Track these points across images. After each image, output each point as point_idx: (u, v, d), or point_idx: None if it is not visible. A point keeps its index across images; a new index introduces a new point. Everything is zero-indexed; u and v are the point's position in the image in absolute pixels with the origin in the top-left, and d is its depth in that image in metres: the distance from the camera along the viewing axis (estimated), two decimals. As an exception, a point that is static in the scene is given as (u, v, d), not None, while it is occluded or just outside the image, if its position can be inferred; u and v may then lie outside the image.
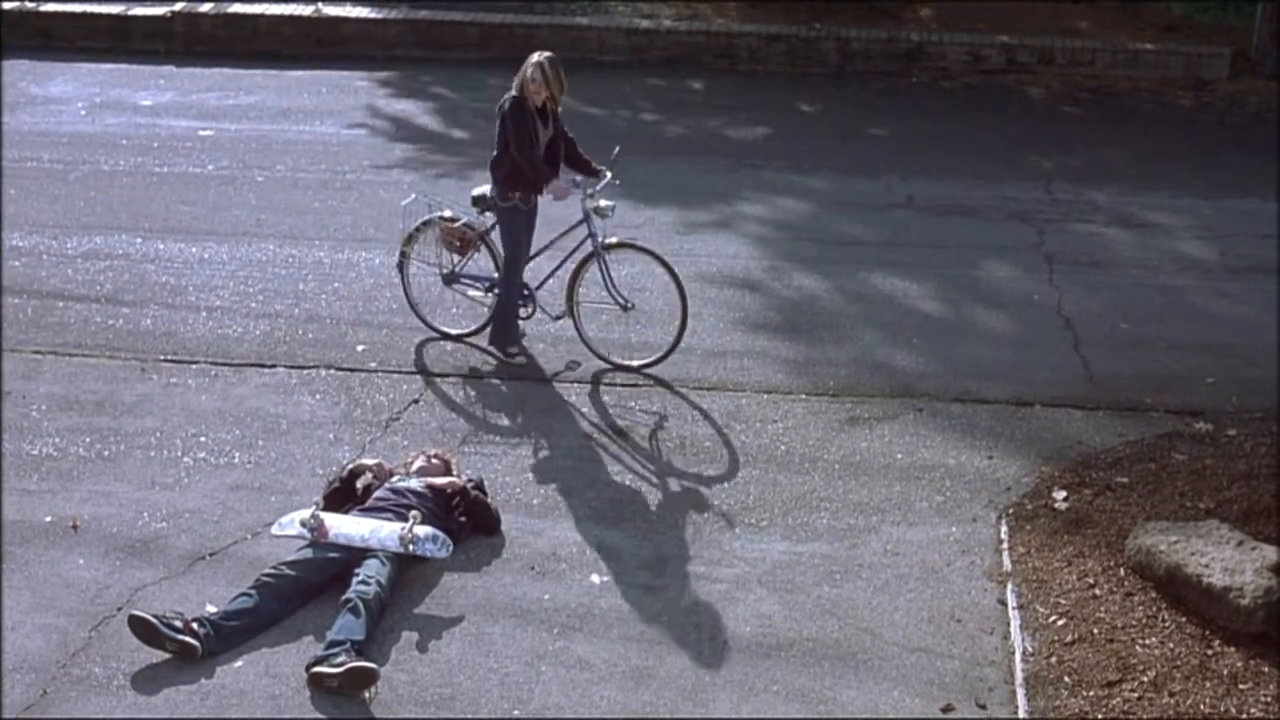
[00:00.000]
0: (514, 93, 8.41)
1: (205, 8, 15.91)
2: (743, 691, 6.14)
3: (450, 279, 9.15)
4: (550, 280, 9.11)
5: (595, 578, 6.89)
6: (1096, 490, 7.57)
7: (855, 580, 6.88)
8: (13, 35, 15.66)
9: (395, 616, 6.56)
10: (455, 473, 7.45)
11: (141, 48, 15.70)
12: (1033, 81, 15.12)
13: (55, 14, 15.90)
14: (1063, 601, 6.65)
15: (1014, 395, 8.69)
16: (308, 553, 6.75)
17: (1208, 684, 6.09)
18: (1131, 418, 8.42)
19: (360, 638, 6.23)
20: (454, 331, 9.26)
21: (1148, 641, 6.36)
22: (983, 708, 6.06)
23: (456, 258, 9.07)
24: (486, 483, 7.54)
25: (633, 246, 8.81)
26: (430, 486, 7.19)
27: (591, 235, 8.68)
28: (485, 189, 8.77)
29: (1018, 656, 6.33)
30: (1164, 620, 6.49)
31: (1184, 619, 6.48)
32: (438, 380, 8.80)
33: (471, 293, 9.18)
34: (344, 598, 6.43)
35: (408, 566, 6.81)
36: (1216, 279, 10.41)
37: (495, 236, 8.90)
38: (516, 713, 6.02)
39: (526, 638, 6.44)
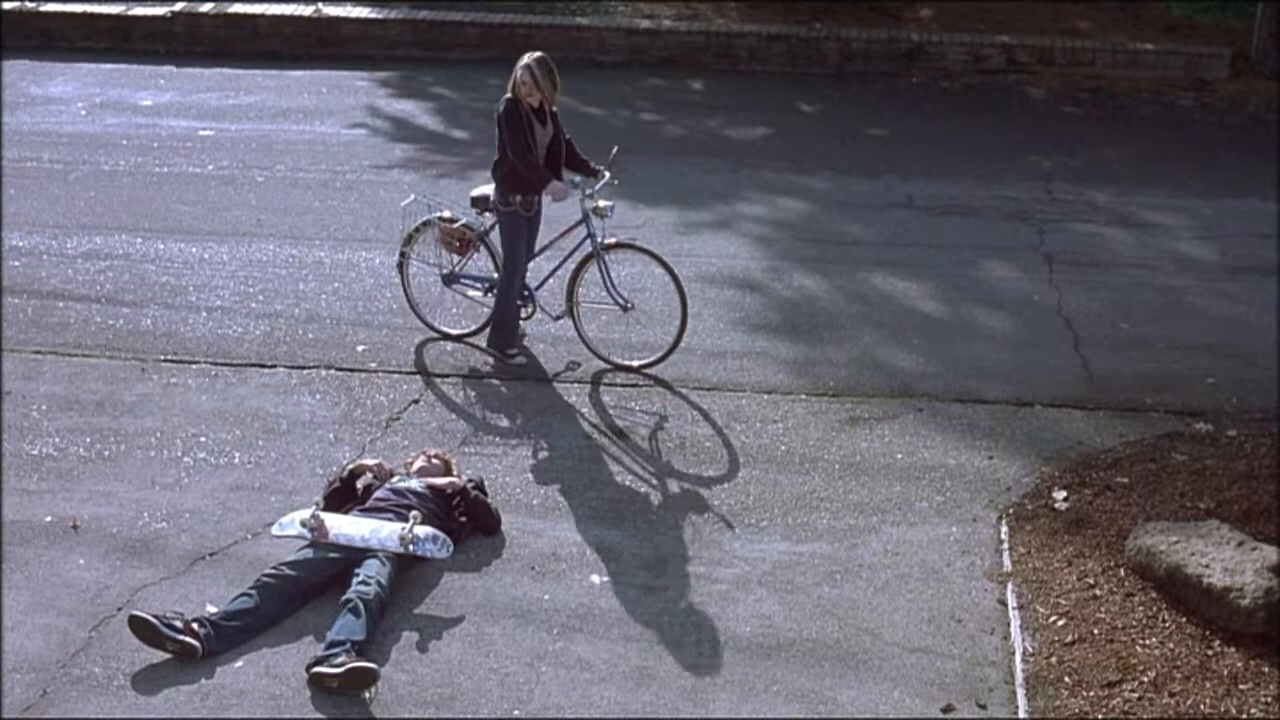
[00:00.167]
0: (508, 95, 8.41)
1: (205, 8, 15.90)
2: (743, 691, 6.14)
3: (450, 279, 9.16)
4: (550, 280, 9.11)
5: (595, 578, 6.89)
6: (1096, 490, 7.57)
7: (855, 580, 6.88)
8: (13, 35, 15.66)
9: (395, 616, 6.56)
10: (455, 473, 7.45)
11: (141, 48, 15.70)
12: (1033, 82, 15.11)
13: (55, 14, 15.90)
14: (1063, 602, 6.65)
15: (1014, 395, 8.69)
16: (308, 553, 6.75)
17: (1208, 684, 6.10)
18: (1131, 418, 8.42)
19: (360, 638, 6.23)
20: (454, 332, 9.26)
21: (1148, 642, 6.36)
22: (983, 708, 6.06)
23: (456, 258, 9.07)
24: (486, 483, 7.55)
25: (632, 247, 8.81)
26: (430, 487, 7.19)
27: (591, 235, 8.68)
28: (484, 189, 8.77)
29: (1018, 657, 6.33)
30: (1164, 620, 6.49)
31: (1184, 619, 6.48)
32: (438, 380, 8.80)
33: (471, 293, 9.18)
34: (344, 598, 6.44)
35: (408, 566, 6.81)
36: (1216, 279, 10.41)
37: (495, 237, 8.90)
38: (516, 713, 6.02)
39: (526, 638, 6.44)
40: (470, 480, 7.40)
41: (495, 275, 8.94)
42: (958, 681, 6.20)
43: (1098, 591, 6.70)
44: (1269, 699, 6.00)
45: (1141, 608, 6.58)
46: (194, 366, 8.91)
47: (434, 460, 7.48)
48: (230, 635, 6.34)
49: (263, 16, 15.78)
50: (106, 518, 7.28)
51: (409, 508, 6.97)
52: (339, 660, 6.08)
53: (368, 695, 6.05)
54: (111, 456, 7.88)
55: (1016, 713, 6.03)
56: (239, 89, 14.48)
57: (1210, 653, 6.28)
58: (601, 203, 8.55)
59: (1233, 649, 6.28)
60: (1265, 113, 14.29)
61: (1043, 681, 6.16)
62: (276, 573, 6.60)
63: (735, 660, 6.32)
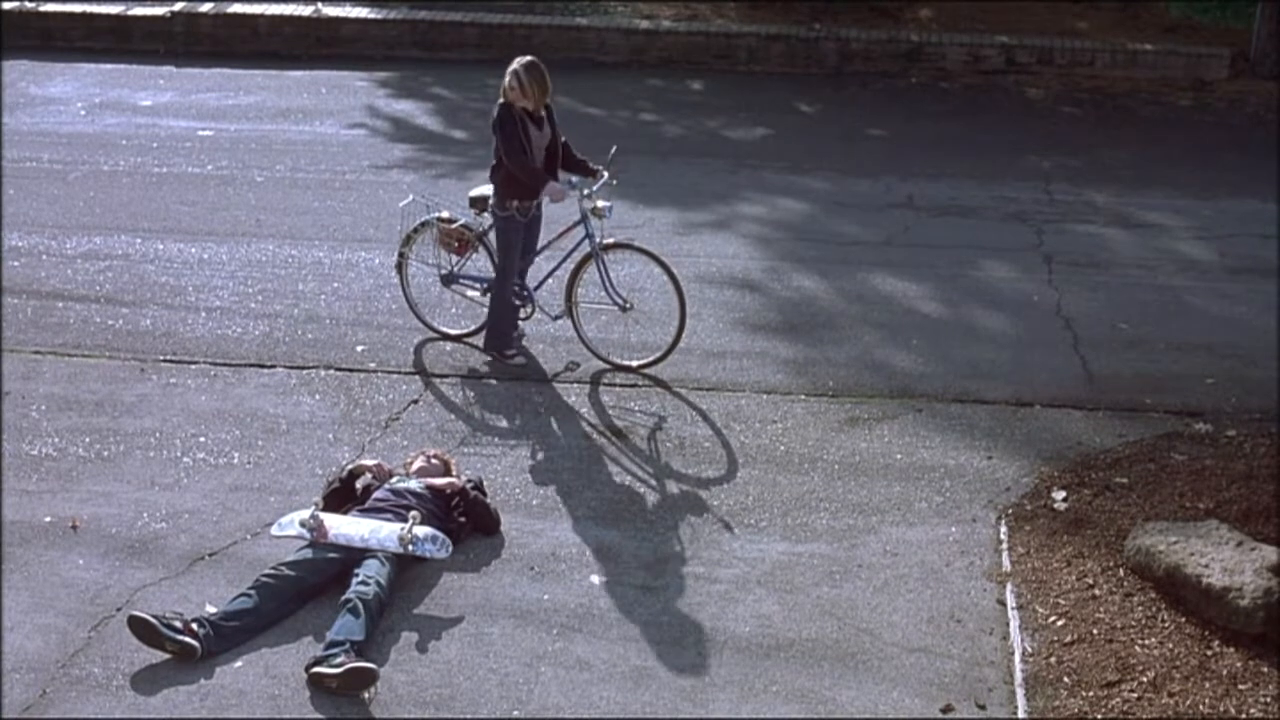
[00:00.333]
0: (501, 100, 8.42)
1: (205, 8, 15.91)
2: (742, 691, 6.14)
3: (449, 279, 9.16)
4: (549, 280, 9.11)
5: (595, 578, 6.89)
6: (1096, 490, 7.57)
7: (854, 580, 6.88)
8: (13, 35, 15.68)
9: (395, 617, 6.56)
10: (455, 473, 7.45)
11: (141, 48, 15.72)
12: (1032, 82, 15.13)
13: (55, 14, 15.92)
14: (1062, 602, 6.65)
15: (1013, 395, 8.69)
16: (307, 553, 6.75)
17: (1207, 684, 6.10)
18: (1131, 418, 8.42)
19: (360, 638, 6.23)
20: (453, 332, 9.27)
21: (1147, 642, 6.36)
22: (982, 708, 6.06)
23: (455, 258, 9.08)
24: (486, 483, 7.55)
25: (630, 247, 8.81)
26: (430, 487, 7.19)
27: (589, 236, 8.68)
28: (483, 190, 8.77)
29: (1017, 657, 6.33)
30: (1163, 620, 6.49)
31: (1183, 619, 6.48)
32: (437, 381, 8.80)
33: (470, 293, 9.18)
34: (343, 598, 6.44)
35: (407, 567, 6.81)
36: (1216, 279, 10.41)
37: (493, 238, 8.89)
38: (516, 713, 6.02)
39: (526, 638, 6.44)
40: (469, 480, 7.40)
41: (493, 275, 8.94)
42: (957, 682, 6.20)
43: (1097, 591, 6.70)
44: (1268, 699, 6.01)
45: (1141, 608, 6.58)
46: (193, 367, 8.91)
47: (433, 460, 7.48)
48: (229, 635, 6.34)
49: (262, 16, 15.79)
50: (106, 518, 7.28)
51: (408, 508, 6.97)
52: (338, 660, 6.08)
53: (367, 695, 6.05)
54: (111, 457, 7.88)
55: (1016, 713, 6.03)
56: (238, 89, 14.48)
57: (1209, 653, 6.28)
58: (600, 203, 8.55)
59: (1232, 649, 6.28)
60: (1264, 113, 14.31)
61: (1042, 681, 6.16)
62: (276, 573, 6.60)
63: (734, 660, 6.32)
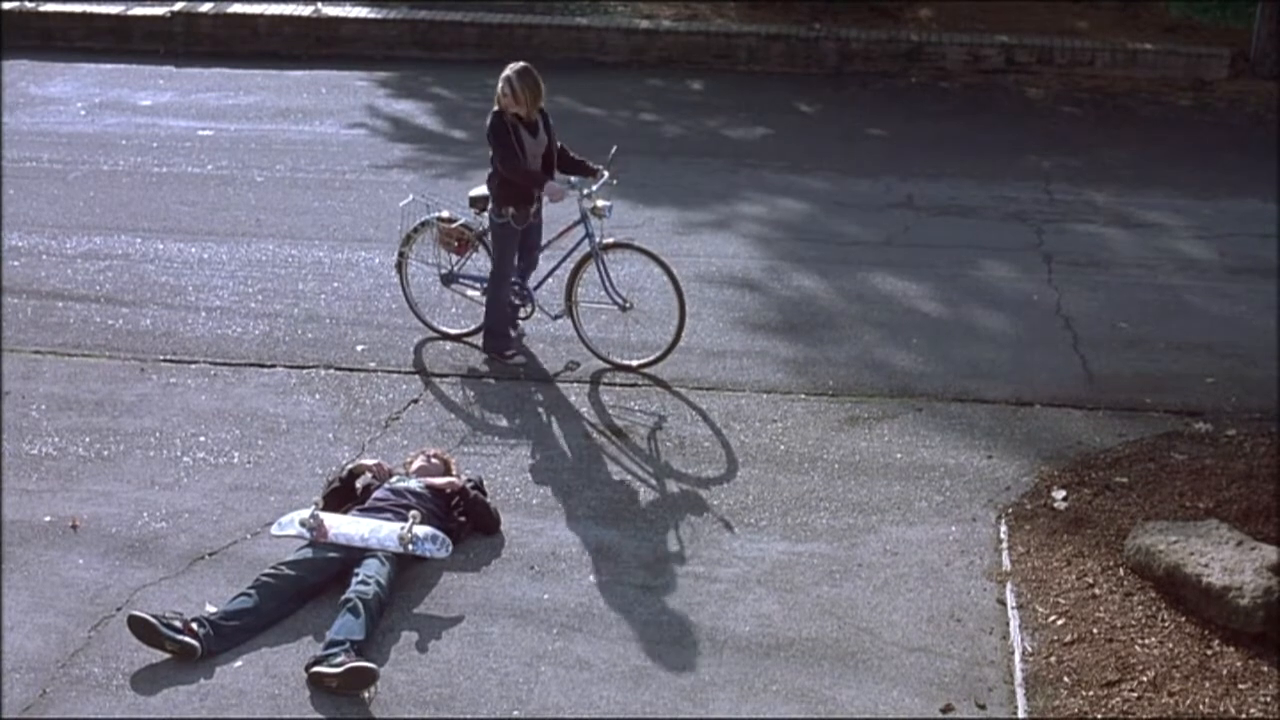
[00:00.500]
0: (495, 108, 8.42)
1: (205, 8, 15.91)
2: (742, 691, 6.14)
3: (448, 279, 9.16)
4: (549, 280, 9.11)
5: (594, 578, 6.89)
6: (1096, 490, 7.57)
7: (854, 580, 6.88)
8: (13, 35, 15.68)
9: (395, 616, 6.56)
10: (454, 473, 7.45)
11: (141, 48, 15.72)
12: (1032, 82, 15.12)
13: (55, 14, 15.92)
14: (1062, 601, 6.65)
15: (1013, 395, 8.69)
16: (307, 553, 6.75)
17: (1207, 684, 6.10)
18: (1131, 418, 8.42)
19: (360, 638, 6.23)
20: (453, 331, 9.27)
21: (1147, 641, 6.36)
22: (982, 708, 6.06)
23: (455, 258, 9.08)
24: (486, 483, 7.55)
25: (630, 247, 8.81)
26: (430, 486, 7.19)
27: (589, 235, 8.68)
28: (483, 189, 8.78)
29: (1017, 656, 6.33)
30: (1163, 620, 6.49)
31: (1183, 619, 6.48)
32: (437, 380, 8.80)
33: (470, 293, 9.18)
34: (343, 598, 6.44)
35: (407, 566, 6.81)
36: (1215, 279, 10.41)
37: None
38: (516, 713, 6.02)
39: (526, 638, 6.44)
40: (469, 480, 7.40)
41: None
42: (957, 681, 6.20)
43: (1097, 591, 6.70)
44: (1268, 698, 6.00)
45: (1140, 607, 6.58)
46: (193, 366, 8.92)
47: (433, 460, 7.48)
48: (229, 635, 6.34)
49: (262, 16, 15.79)
50: (106, 518, 7.28)
51: (408, 507, 6.97)
52: (338, 660, 6.08)
53: (367, 695, 6.05)
54: (111, 456, 7.88)
55: (1016, 712, 6.03)
56: (238, 89, 14.48)
57: (1209, 652, 6.28)
58: (599, 202, 8.55)
59: (1232, 648, 6.28)
60: (1264, 113, 14.30)
61: (1042, 681, 6.16)
62: (276, 572, 6.60)
63: (734, 660, 6.32)
